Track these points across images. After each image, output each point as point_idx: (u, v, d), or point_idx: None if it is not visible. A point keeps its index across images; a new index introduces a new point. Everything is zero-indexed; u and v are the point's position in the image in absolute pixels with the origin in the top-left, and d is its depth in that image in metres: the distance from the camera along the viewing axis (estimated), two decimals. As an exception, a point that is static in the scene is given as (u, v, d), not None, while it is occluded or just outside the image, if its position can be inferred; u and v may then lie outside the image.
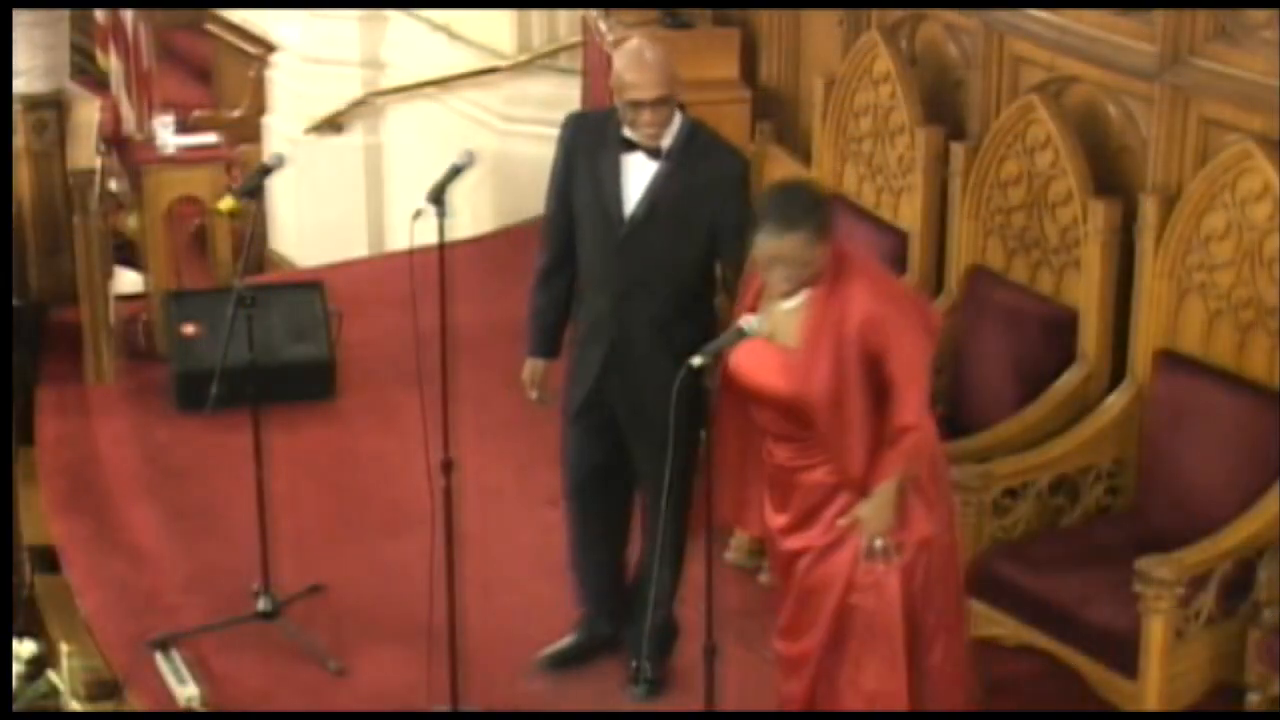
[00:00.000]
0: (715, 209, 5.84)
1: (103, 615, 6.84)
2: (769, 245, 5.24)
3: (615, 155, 5.91)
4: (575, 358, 6.15)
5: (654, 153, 5.88)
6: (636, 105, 5.82)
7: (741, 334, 5.19)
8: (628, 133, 5.90)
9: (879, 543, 5.33)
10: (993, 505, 6.18)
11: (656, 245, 5.88)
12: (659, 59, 5.84)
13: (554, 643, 6.45)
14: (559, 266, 6.10)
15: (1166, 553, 5.72)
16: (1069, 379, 6.57)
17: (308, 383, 8.22)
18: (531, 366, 6.24)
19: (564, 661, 6.41)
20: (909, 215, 7.23)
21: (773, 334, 5.30)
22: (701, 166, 5.86)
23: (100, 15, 9.86)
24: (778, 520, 5.50)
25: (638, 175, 5.90)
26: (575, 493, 6.32)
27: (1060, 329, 6.63)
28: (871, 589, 5.37)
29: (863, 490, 5.32)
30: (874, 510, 5.32)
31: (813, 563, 5.44)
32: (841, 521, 5.36)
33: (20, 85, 8.56)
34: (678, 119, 5.89)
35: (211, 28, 12.80)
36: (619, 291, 5.94)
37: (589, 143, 6.00)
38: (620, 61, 5.89)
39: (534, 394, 6.25)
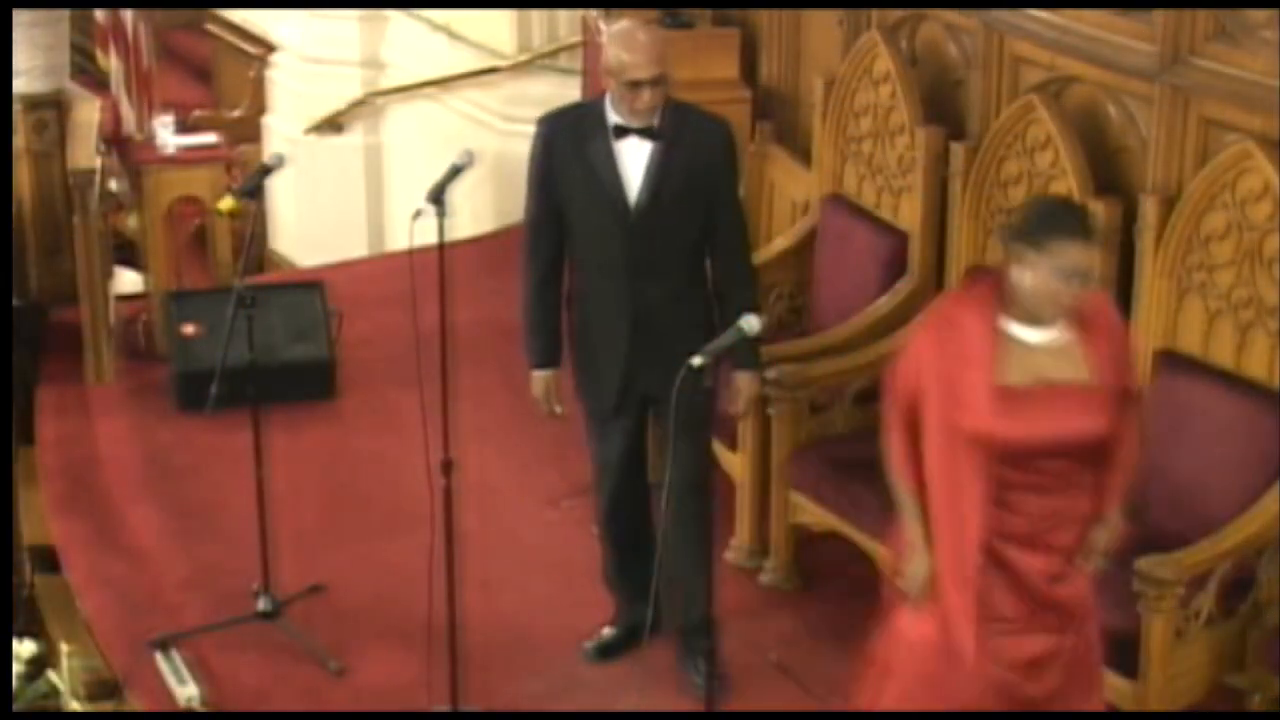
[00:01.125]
0: (714, 178, 5.91)
1: (103, 615, 6.84)
2: (1083, 256, 4.83)
3: (606, 143, 5.88)
4: (589, 355, 6.10)
5: (647, 133, 5.87)
6: (635, 85, 5.79)
7: (742, 334, 5.19)
8: (617, 118, 5.88)
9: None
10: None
11: (667, 224, 5.89)
12: (652, 38, 5.87)
13: (596, 635, 6.48)
14: (553, 271, 6.07)
15: (1166, 553, 5.72)
16: (1069, 379, 6.56)
17: (308, 383, 8.22)
18: (544, 380, 6.16)
19: (610, 652, 6.43)
20: (909, 215, 7.22)
21: (1040, 375, 4.90)
22: (695, 139, 5.89)
23: (100, 15, 9.86)
24: (1041, 566, 5.06)
25: (634, 159, 5.88)
26: (615, 503, 6.27)
27: (1060, 329, 6.63)
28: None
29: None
30: (1112, 535, 5.16)
31: (1083, 611, 5.19)
32: (1093, 559, 5.15)
33: (20, 85, 8.57)
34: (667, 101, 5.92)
35: (211, 28, 12.81)
36: (632, 275, 5.93)
37: (572, 137, 5.94)
38: (615, 44, 5.87)
39: (558, 408, 6.17)
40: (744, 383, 6.18)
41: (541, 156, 6.00)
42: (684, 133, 5.90)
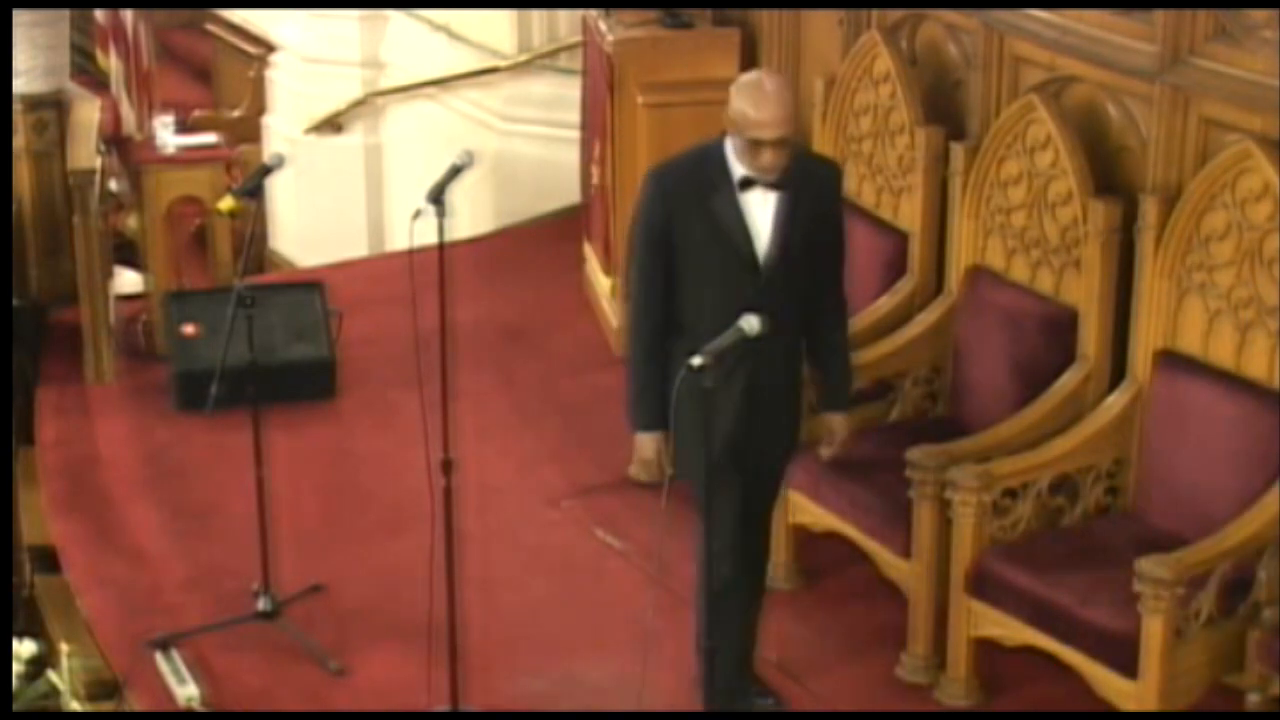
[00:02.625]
0: (831, 224, 5.74)
1: (103, 615, 6.84)
2: None
3: (732, 195, 5.58)
4: (699, 414, 5.37)
5: (772, 184, 5.59)
6: (757, 144, 5.51)
7: (741, 334, 5.17)
8: (742, 170, 5.59)
9: None
10: (993, 505, 6.18)
11: (793, 275, 5.65)
12: (779, 95, 5.53)
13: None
14: (666, 329, 5.71)
15: (1166, 553, 5.72)
16: (1069, 379, 6.56)
17: (308, 383, 8.22)
18: (656, 442, 5.78)
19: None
20: (909, 215, 7.22)
21: None
22: (814, 186, 5.68)
23: (100, 15, 9.88)
24: None
25: (760, 210, 5.61)
26: (733, 563, 5.84)
27: (1060, 329, 6.63)
28: None
29: None
30: None
31: None
32: None
33: (20, 85, 8.57)
34: None
35: (211, 28, 12.81)
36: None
37: (693, 189, 5.62)
38: (740, 96, 5.54)
39: (670, 471, 5.71)
40: (837, 424, 6.04)
41: (657, 210, 5.67)
42: (804, 180, 5.65)
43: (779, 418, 5.85)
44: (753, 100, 5.51)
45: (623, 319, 8.36)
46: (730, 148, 5.63)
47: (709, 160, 5.66)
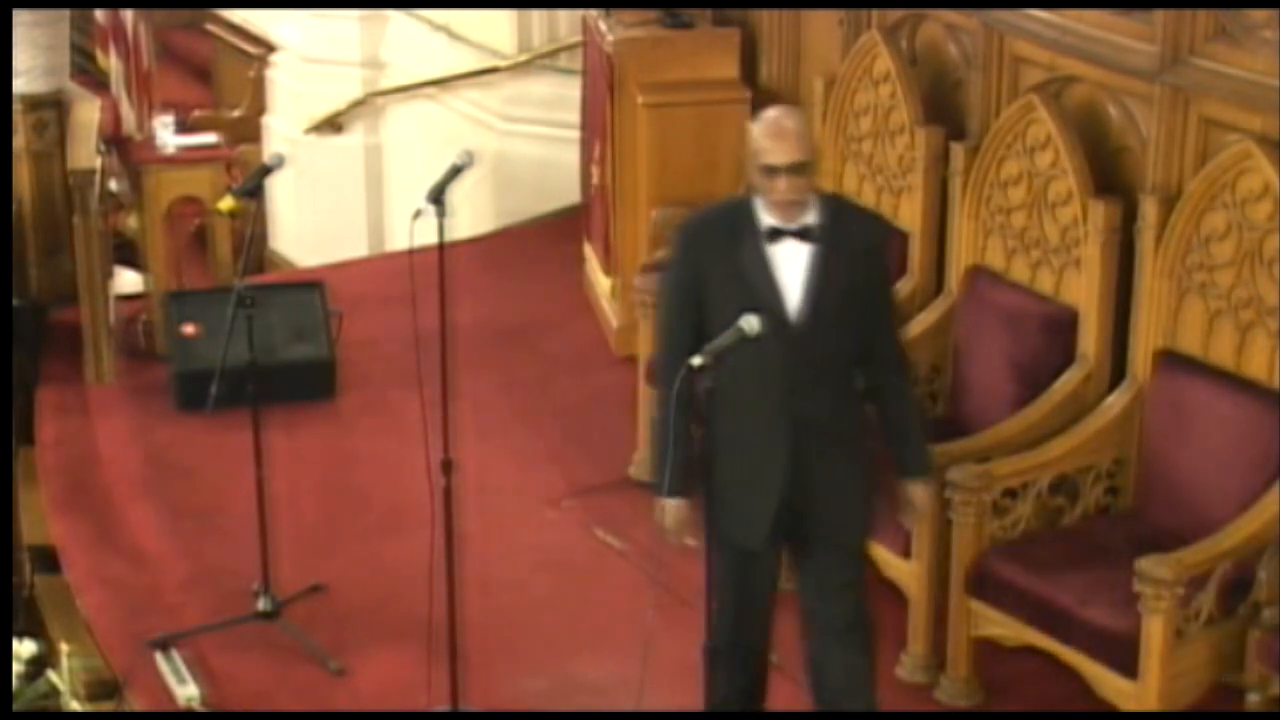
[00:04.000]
0: (875, 282, 5.41)
1: (103, 615, 6.84)
2: None
3: (758, 247, 5.26)
4: (733, 482, 5.32)
5: (804, 235, 5.26)
6: (771, 171, 5.20)
7: (741, 334, 5.14)
8: (770, 220, 5.29)
9: None
10: (993, 505, 6.18)
11: (829, 336, 5.31)
12: (797, 125, 5.27)
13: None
14: (693, 389, 5.22)
15: (1166, 553, 5.72)
16: (1069, 379, 6.56)
17: (308, 383, 8.22)
18: (678, 510, 5.46)
19: None
20: (909, 215, 7.22)
21: None
22: (853, 239, 5.33)
23: (100, 15, 9.87)
24: None
25: (791, 265, 5.26)
26: (739, 632, 5.57)
27: (1060, 329, 6.63)
28: None
29: None
30: None
31: None
32: None
33: (20, 85, 8.57)
34: (815, 195, 5.33)
35: (211, 28, 12.81)
36: (790, 391, 5.33)
37: (719, 240, 5.32)
38: (758, 126, 5.31)
39: (690, 541, 5.42)
40: (916, 495, 5.66)
41: (683, 263, 5.41)
42: (841, 232, 5.31)
43: (838, 486, 5.44)
44: (766, 128, 5.28)
45: (623, 319, 8.37)
46: (759, 200, 5.33)
47: (737, 212, 5.39)
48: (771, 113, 5.37)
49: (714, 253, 5.30)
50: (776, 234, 5.26)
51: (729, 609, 5.46)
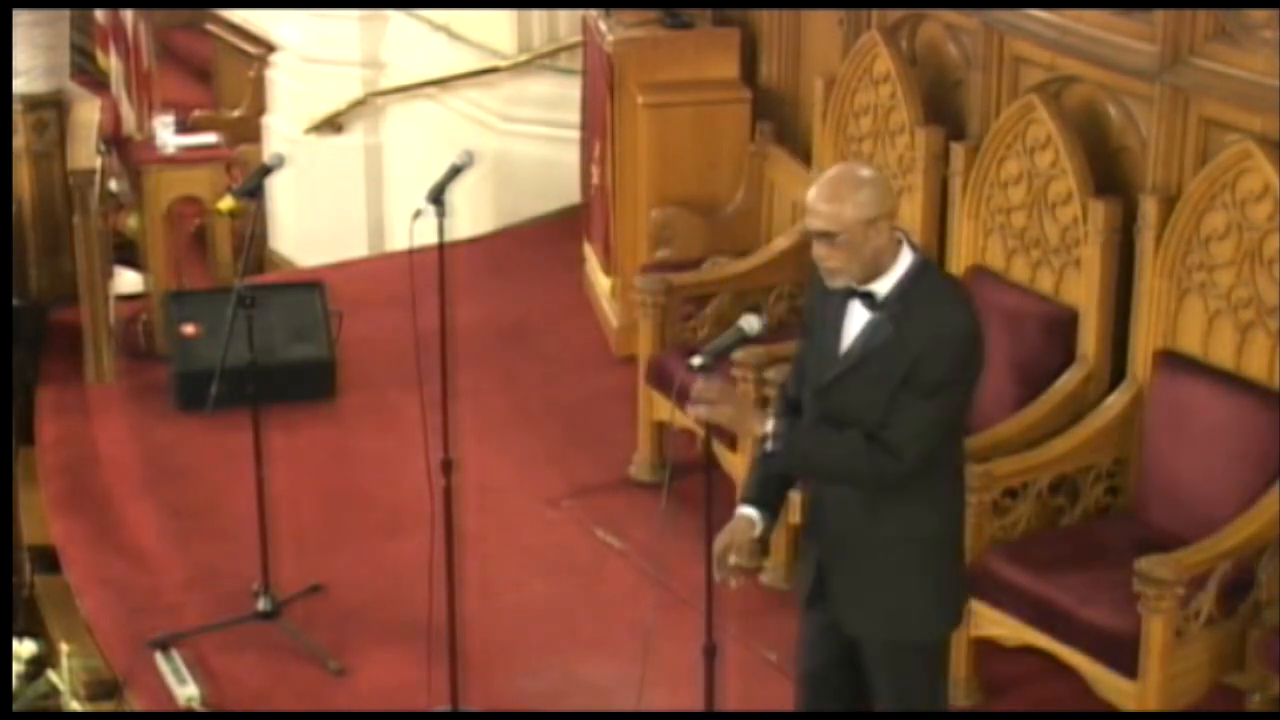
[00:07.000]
0: (918, 365, 4.92)
1: (103, 615, 6.84)
2: None
3: (842, 301, 5.04)
4: (802, 534, 5.29)
5: (869, 301, 5.00)
6: (812, 235, 4.99)
7: (742, 334, 5.15)
8: None
9: None
10: (993, 505, 6.18)
11: (852, 396, 5.00)
12: (833, 182, 4.94)
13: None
14: (794, 411, 5.19)
15: (1166, 553, 5.72)
16: (1069, 379, 6.57)
17: (308, 383, 8.22)
18: (746, 523, 5.14)
19: None
20: (909, 215, 7.22)
21: None
22: (915, 320, 4.94)
23: (100, 15, 9.87)
24: None
25: (854, 323, 5.03)
26: (802, 681, 5.39)
27: (1060, 329, 6.63)
28: None
29: None
30: None
31: None
32: None
33: (20, 85, 8.57)
34: (904, 264, 4.96)
35: (211, 28, 12.81)
36: None
37: (826, 288, 5.08)
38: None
39: (737, 572, 5.13)
40: (712, 389, 5.11)
41: (809, 295, 5.25)
42: (906, 305, 4.95)
43: (862, 588, 5.10)
44: (814, 187, 4.98)
45: (623, 319, 8.37)
46: None
47: None
48: (829, 172, 5.09)
49: (823, 292, 5.10)
50: (852, 293, 5.03)
51: (797, 691, 5.34)
